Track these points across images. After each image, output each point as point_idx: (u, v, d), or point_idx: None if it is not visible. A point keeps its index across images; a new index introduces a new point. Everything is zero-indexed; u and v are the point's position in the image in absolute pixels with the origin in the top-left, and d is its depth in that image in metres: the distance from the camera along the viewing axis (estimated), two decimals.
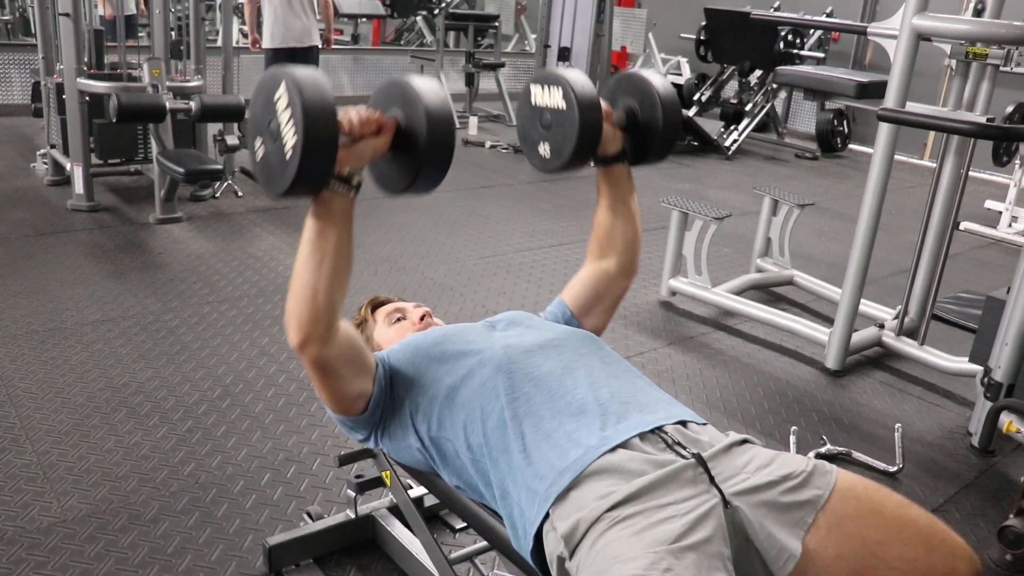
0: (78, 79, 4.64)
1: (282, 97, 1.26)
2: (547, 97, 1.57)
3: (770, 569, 1.27)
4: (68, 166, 4.89)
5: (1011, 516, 2.20)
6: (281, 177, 1.27)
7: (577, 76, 1.55)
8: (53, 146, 5.29)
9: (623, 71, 1.69)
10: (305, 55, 6.12)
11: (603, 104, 1.59)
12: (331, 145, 1.26)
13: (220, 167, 4.72)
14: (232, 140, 5.19)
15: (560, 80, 1.54)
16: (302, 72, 1.26)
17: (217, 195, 5.26)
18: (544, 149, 1.62)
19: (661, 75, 1.65)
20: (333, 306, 1.38)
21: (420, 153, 1.34)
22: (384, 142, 1.36)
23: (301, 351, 1.40)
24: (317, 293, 1.35)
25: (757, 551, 1.27)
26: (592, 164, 1.71)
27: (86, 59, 5.05)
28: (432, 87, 1.36)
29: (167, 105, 4.51)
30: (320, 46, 6.22)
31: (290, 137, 1.24)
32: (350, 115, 1.32)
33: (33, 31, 6.25)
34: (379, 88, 1.42)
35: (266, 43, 6.05)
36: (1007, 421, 2.64)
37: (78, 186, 4.77)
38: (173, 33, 5.43)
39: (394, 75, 1.41)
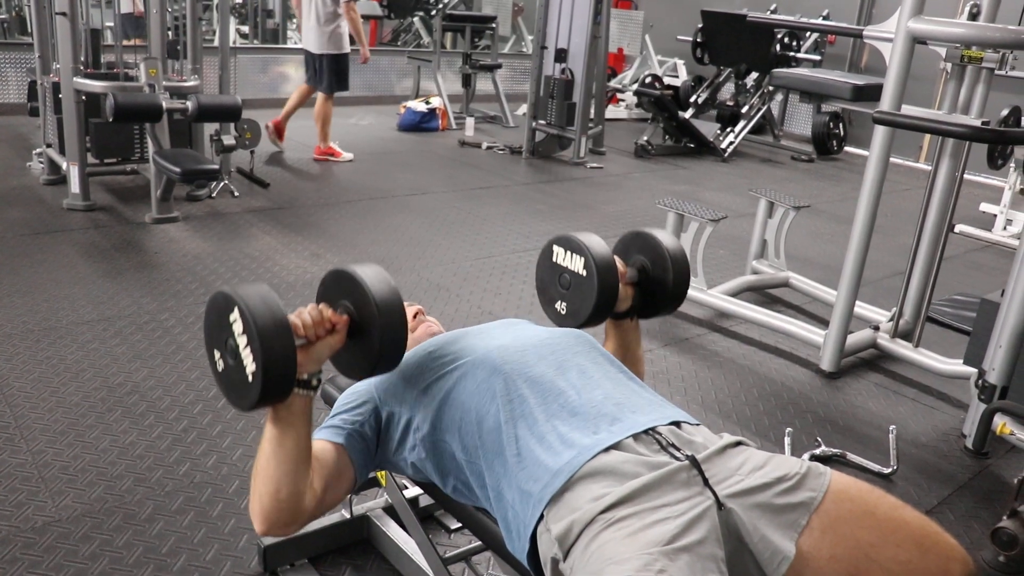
0: (75, 78, 4.63)
1: (237, 321, 1.28)
2: (568, 260, 1.66)
3: (764, 571, 1.27)
4: (64, 165, 4.88)
5: (1004, 518, 2.21)
6: (245, 397, 1.30)
7: (599, 248, 1.63)
8: (49, 145, 5.28)
9: (636, 230, 1.79)
10: (320, 60, 6.32)
11: (618, 263, 1.67)
12: (290, 366, 1.29)
13: (216, 167, 4.72)
14: (229, 140, 5.19)
15: (583, 250, 1.63)
16: (252, 294, 1.28)
17: (213, 195, 5.25)
18: (561, 307, 1.72)
19: (671, 235, 1.78)
20: (297, 496, 1.38)
21: (375, 342, 1.38)
22: (339, 339, 1.39)
23: (266, 535, 1.43)
24: (280, 488, 1.36)
25: (751, 553, 1.27)
26: None
27: (83, 58, 5.05)
28: (377, 274, 1.40)
29: (164, 105, 4.51)
30: (331, 55, 6.31)
31: (249, 363, 1.27)
32: (304, 318, 1.35)
33: (29, 30, 6.25)
34: (325, 280, 1.45)
35: None
36: (1001, 423, 2.65)
37: (74, 185, 4.76)
38: (170, 33, 5.43)
39: (336, 267, 1.44)
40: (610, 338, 1.82)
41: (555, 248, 1.71)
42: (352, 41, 6.43)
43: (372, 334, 1.38)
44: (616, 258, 1.68)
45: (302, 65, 6.72)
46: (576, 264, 1.65)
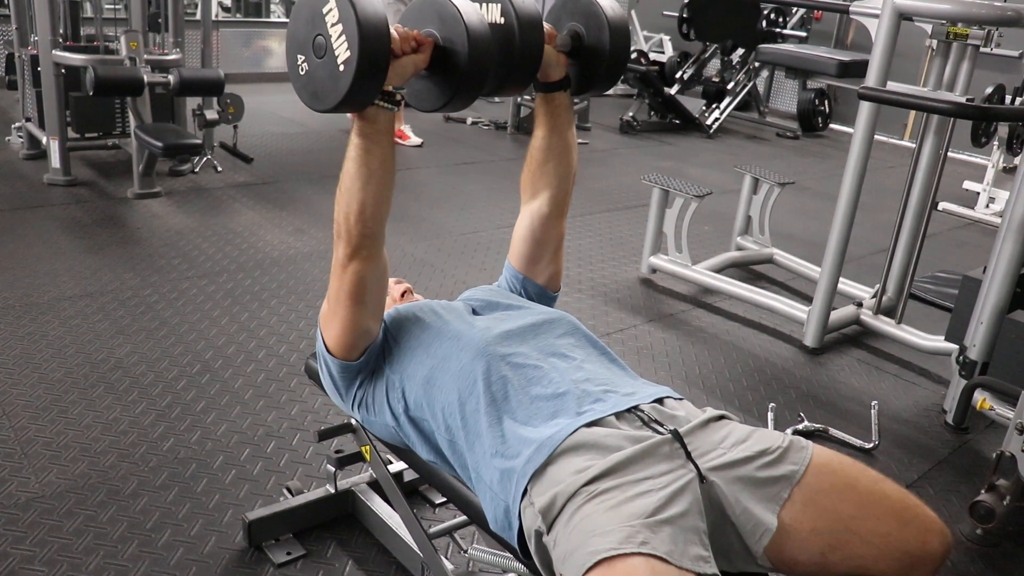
0: (53, 51, 4.56)
1: (332, 10, 1.25)
2: (484, 14, 1.48)
3: (746, 543, 1.29)
4: (44, 140, 4.82)
5: (983, 492, 2.24)
6: (331, 93, 1.28)
7: None
8: (28, 119, 5.21)
9: None
10: None
11: (546, 26, 1.54)
12: (384, 60, 1.27)
13: (199, 142, 4.67)
14: (211, 115, 5.14)
15: None
16: None
17: (196, 170, 5.21)
18: None
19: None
20: (382, 219, 1.42)
21: (460, 71, 1.35)
22: (424, 59, 1.38)
23: (349, 261, 1.43)
24: (365, 208, 1.39)
25: (733, 525, 1.29)
26: (533, 90, 1.65)
27: (61, 30, 4.97)
28: (471, 5, 1.36)
29: (145, 78, 4.46)
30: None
31: (343, 52, 1.24)
32: (390, 32, 1.32)
33: (6, 1, 6.14)
34: (412, 6, 1.42)
35: None
36: (981, 399, 2.67)
37: (55, 160, 4.71)
38: (151, 5, 5.36)
39: None
40: (540, 119, 1.69)
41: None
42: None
43: (456, 62, 1.35)
44: (545, 23, 1.54)
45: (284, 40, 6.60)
46: (492, 14, 1.46)
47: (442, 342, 1.51)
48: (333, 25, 1.25)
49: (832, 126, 8.49)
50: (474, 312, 1.65)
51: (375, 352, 1.56)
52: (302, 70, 1.33)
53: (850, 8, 3.76)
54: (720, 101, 8.11)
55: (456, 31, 1.35)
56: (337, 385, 1.61)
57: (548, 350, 1.49)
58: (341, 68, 1.25)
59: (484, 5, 1.49)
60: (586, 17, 1.57)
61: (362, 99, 1.31)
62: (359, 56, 1.23)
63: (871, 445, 2.70)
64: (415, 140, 6.45)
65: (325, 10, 1.27)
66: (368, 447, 1.88)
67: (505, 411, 1.38)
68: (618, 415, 1.35)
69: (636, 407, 1.37)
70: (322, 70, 1.28)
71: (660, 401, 1.42)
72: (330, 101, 1.29)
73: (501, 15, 1.46)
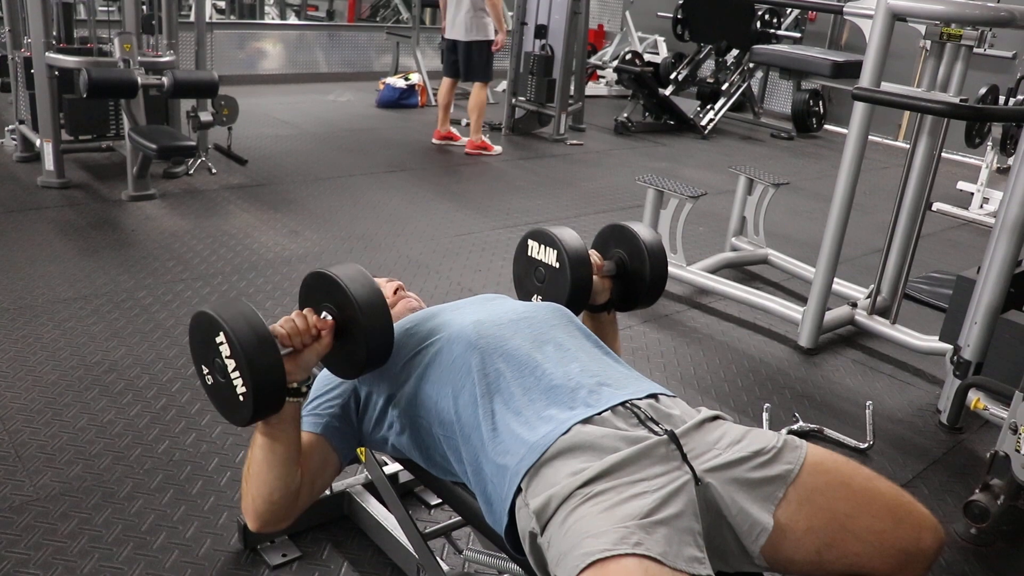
0: (47, 53, 4.55)
1: (224, 344, 1.29)
2: (542, 254, 1.69)
3: (743, 543, 1.29)
4: (38, 142, 4.81)
5: (977, 491, 2.24)
6: (238, 415, 1.32)
7: (572, 241, 1.66)
8: (22, 122, 5.20)
9: (614, 223, 1.81)
10: (469, 47, 6.23)
11: (595, 256, 1.71)
12: (280, 384, 1.31)
13: (193, 143, 4.67)
14: (205, 116, 5.13)
15: (556, 243, 1.65)
16: (235, 315, 1.29)
17: (190, 172, 5.20)
18: (537, 300, 1.73)
19: (649, 228, 1.78)
20: (290, 497, 1.43)
21: (361, 345, 1.38)
22: (326, 344, 1.40)
23: (260, 532, 1.48)
24: (273, 492, 1.41)
25: (730, 526, 1.29)
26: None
27: (55, 33, 4.97)
28: (357, 275, 1.40)
29: (139, 80, 4.45)
30: (480, 42, 6.21)
31: (239, 385, 1.28)
32: (289, 327, 1.35)
33: None
34: (305, 282, 1.45)
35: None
36: (975, 399, 2.68)
37: (48, 163, 4.70)
38: (144, 7, 5.35)
39: (315, 269, 1.44)
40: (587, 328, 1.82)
41: (530, 242, 1.74)
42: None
43: (358, 337, 1.39)
44: (593, 252, 1.72)
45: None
46: (550, 257, 1.68)
47: (433, 337, 1.51)
48: (227, 357, 1.29)
49: (826, 127, 8.51)
50: (465, 306, 1.65)
51: (351, 439, 1.56)
52: (208, 381, 1.36)
53: (844, 9, 3.77)
54: (715, 102, 8.13)
55: (347, 302, 1.38)
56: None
57: (541, 340, 1.50)
58: (241, 399, 1.29)
59: (542, 248, 1.71)
60: (629, 245, 1.76)
61: (267, 415, 1.35)
62: (254, 395, 1.27)
63: (866, 445, 2.71)
64: (497, 149, 6.47)
65: (218, 340, 1.30)
66: (363, 448, 1.88)
67: (498, 403, 1.38)
68: (613, 410, 1.35)
69: (631, 401, 1.38)
70: (226, 391, 1.32)
71: (655, 398, 1.42)
72: (239, 422, 1.34)
73: (556, 260, 1.66)
